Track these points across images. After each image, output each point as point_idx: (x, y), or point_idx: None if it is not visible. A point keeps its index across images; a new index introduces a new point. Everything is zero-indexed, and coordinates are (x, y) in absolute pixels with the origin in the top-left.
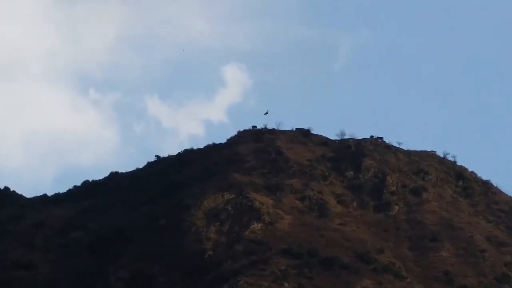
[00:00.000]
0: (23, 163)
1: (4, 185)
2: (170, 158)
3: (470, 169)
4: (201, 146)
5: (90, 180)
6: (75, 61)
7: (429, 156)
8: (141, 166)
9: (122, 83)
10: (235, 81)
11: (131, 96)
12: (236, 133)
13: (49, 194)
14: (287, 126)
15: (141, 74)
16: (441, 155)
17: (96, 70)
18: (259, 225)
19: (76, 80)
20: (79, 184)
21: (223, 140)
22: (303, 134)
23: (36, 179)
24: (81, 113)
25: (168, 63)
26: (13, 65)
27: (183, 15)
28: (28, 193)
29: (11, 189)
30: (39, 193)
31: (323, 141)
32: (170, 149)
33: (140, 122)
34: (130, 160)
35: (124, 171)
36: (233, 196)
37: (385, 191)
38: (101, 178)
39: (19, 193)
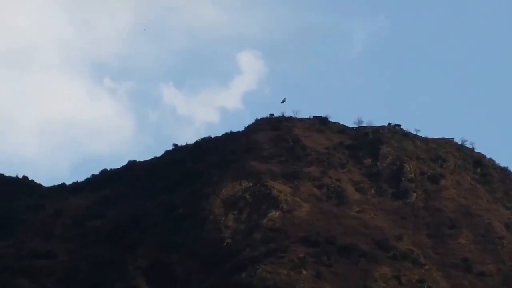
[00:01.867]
0: (39, 152)
1: (22, 175)
2: (187, 146)
3: (488, 156)
4: (217, 134)
5: (108, 169)
6: (89, 49)
7: (447, 143)
8: (157, 154)
9: (137, 72)
10: (250, 68)
11: (146, 85)
12: (253, 121)
13: (66, 183)
14: (304, 114)
15: (155, 63)
16: (459, 142)
17: (110, 58)
18: (277, 213)
19: (90, 69)
20: (96, 173)
21: (239, 128)
22: (321, 122)
23: (52, 168)
24: (96, 102)
25: (182, 51)
26: (27, 54)
27: (196, 2)
28: (45, 182)
29: (30, 179)
30: (56, 182)
31: (341, 129)
32: (186, 136)
33: (155, 110)
34: (146, 149)
35: (141, 160)
36: (251, 184)
37: (403, 178)
38: (119, 167)
39: (37, 182)
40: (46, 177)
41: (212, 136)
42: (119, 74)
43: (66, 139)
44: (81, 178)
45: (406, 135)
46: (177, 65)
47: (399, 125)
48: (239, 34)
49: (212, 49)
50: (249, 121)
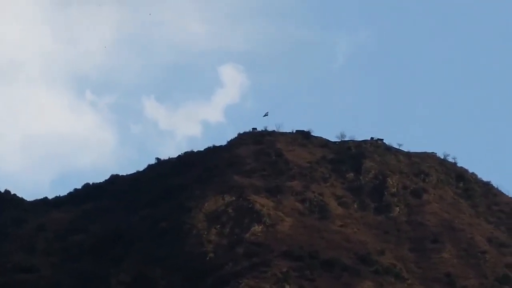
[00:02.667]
0: (21, 166)
1: (4, 189)
2: (170, 160)
3: (470, 171)
4: (199, 147)
5: (91, 183)
6: (72, 63)
7: (429, 157)
8: (139, 168)
9: (119, 85)
10: (232, 81)
11: (128, 98)
12: (235, 135)
13: (49, 197)
14: (287, 128)
15: (137, 76)
16: (442, 157)
17: (92, 72)
18: (260, 227)
19: (73, 82)
20: (79, 187)
21: (221, 141)
22: (303, 136)
23: (35, 182)
24: (79, 115)
25: (164, 64)
26: (10, 67)
27: (179, 16)
28: (27, 196)
29: (12, 193)
30: (38, 196)
31: (323, 143)
32: (168, 150)
33: (137, 124)
34: (129, 162)
35: (124, 174)
36: (234, 198)
37: (385, 192)
38: (101, 181)
39: (20, 196)
40: (28, 192)
41: (195, 150)
42: (101, 87)
43: (48, 153)
44: (63, 192)
45: (389, 149)
46: (159, 79)
47: (382, 140)
48: (221, 47)
49: (194, 63)
50: (231, 134)
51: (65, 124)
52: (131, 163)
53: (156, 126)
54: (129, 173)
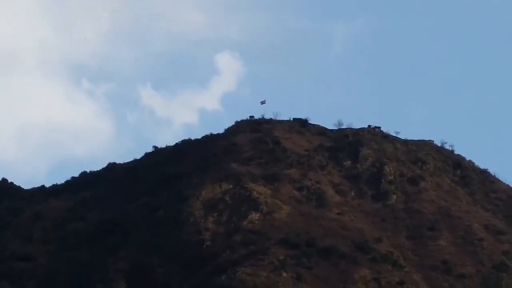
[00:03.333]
0: (18, 155)
1: (1, 177)
2: (167, 149)
3: (467, 158)
4: (196, 135)
5: (88, 171)
6: (69, 53)
7: (426, 145)
8: (137, 156)
9: (115, 74)
10: (229, 69)
11: (125, 87)
12: (232, 122)
13: (46, 185)
14: (284, 116)
15: (134, 65)
16: (439, 144)
17: (89, 61)
18: (257, 215)
19: (69, 72)
20: (76, 175)
21: (218, 129)
22: (301, 124)
23: (32, 170)
24: (75, 104)
25: (161, 53)
26: (7, 57)
27: (175, 6)
28: (24, 185)
29: (9, 181)
30: (35, 184)
31: (321, 131)
32: (165, 138)
33: (134, 112)
34: (125, 151)
35: (121, 162)
36: (231, 186)
37: (383, 180)
38: (99, 169)
39: (17, 185)
40: (25, 180)
41: (192, 138)
42: (98, 76)
43: (45, 142)
44: (60, 180)
45: (386, 137)
46: (155, 67)
47: (379, 127)
48: (218, 36)
49: (191, 51)
50: (228, 122)
51: (62, 113)
52: (128, 151)
53: (153, 114)
54: (126, 161)
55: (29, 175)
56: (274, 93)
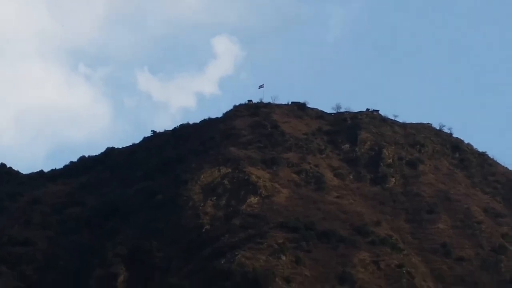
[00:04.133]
0: (16, 139)
1: (3, 162)
2: (166, 133)
3: (466, 141)
4: (194, 119)
5: (87, 156)
6: (66, 38)
7: (425, 128)
8: (134, 140)
9: (112, 58)
10: (226, 53)
11: (122, 71)
12: (230, 106)
13: (44, 170)
14: (282, 100)
15: (131, 49)
16: (437, 127)
17: (86, 46)
18: (256, 199)
19: (66, 56)
20: (75, 160)
21: (216, 113)
22: (299, 108)
23: (30, 155)
24: (73, 89)
25: (158, 37)
26: (4, 43)
27: None
28: (22, 170)
29: (7, 166)
30: (33, 169)
31: (319, 115)
32: (163, 122)
33: (131, 97)
34: (123, 135)
35: (120, 147)
36: (230, 170)
37: (381, 163)
38: (97, 154)
39: (15, 169)
40: (23, 165)
41: (190, 122)
42: (95, 60)
43: (43, 126)
44: (59, 165)
45: (385, 120)
46: (152, 51)
47: (377, 111)
48: (215, 20)
49: (187, 35)
50: (226, 106)
51: (59, 98)
52: (126, 135)
53: (150, 98)
54: (124, 145)
55: (27, 160)
56: (272, 77)
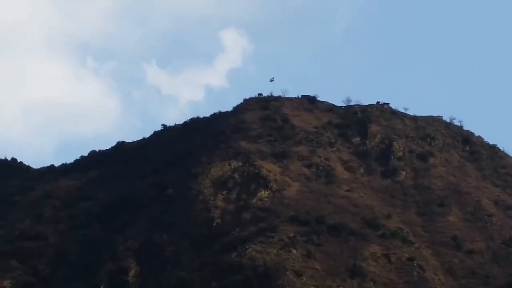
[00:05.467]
0: (25, 134)
1: (10, 156)
2: (176, 127)
3: (476, 134)
4: (203, 112)
5: (97, 150)
6: (73, 31)
7: (435, 121)
8: (143, 134)
9: (120, 52)
10: (234, 46)
11: (129, 65)
12: (239, 99)
13: (55, 164)
14: (292, 93)
15: (138, 43)
16: (448, 120)
17: (94, 40)
18: (267, 192)
19: (74, 50)
20: (85, 154)
21: (225, 106)
22: (309, 101)
23: (39, 150)
24: (81, 83)
25: (165, 31)
26: (12, 36)
27: None
28: (32, 164)
29: (18, 160)
30: (42, 164)
31: (329, 108)
32: (171, 116)
33: (139, 90)
34: (131, 128)
35: (129, 141)
36: (240, 164)
37: (392, 156)
38: (107, 148)
39: (26, 164)
40: (32, 159)
41: (199, 115)
42: (103, 54)
43: (51, 121)
44: (67, 159)
45: (395, 113)
46: (160, 45)
47: (388, 104)
48: (222, 13)
49: (196, 28)
50: (235, 99)
51: (67, 92)
52: (135, 129)
53: (159, 92)
54: (132, 139)
55: (36, 154)
56: (281, 70)
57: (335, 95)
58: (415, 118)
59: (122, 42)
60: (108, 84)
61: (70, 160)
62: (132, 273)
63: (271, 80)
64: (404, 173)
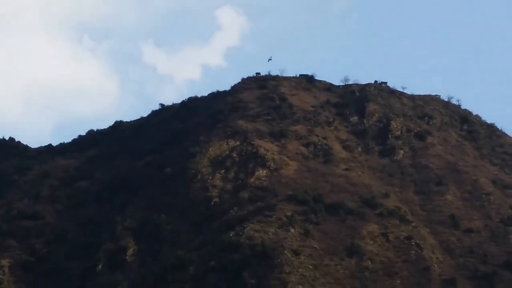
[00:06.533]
0: (23, 114)
1: (8, 136)
2: (174, 106)
3: (474, 113)
4: (200, 91)
5: (95, 130)
6: (71, 11)
7: (433, 100)
8: (141, 113)
9: (117, 31)
10: (231, 25)
11: (126, 44)
12: (236, 78)
13: (51, 144)
14: (290, 73)
15: (135, 22)
16: (446, 99)
17: (90, 18)
18: (264, 171)
19: (71, 30)
20: (83, 133)
21: (222, 85)
22: (307, 80)
23: (37, 129)
24: (78, 62)
25: (162, 9)
26: (9, 18)
27: None
28: (31, 144)
29: (16, 140)
30: (40, 143)
31: (327, 87)
32: (168, 95)
33: (136, 69)
34: (129, 107)
35: (126, 120)
36: (238, 143)
37: (389, 135)
38: (105, 128)
39: (24, 143)
40: (30, 139)
41: (197, 94)
42: (99, 34)
43: (49, 100)
44: (66, 139)
45: (393, 92)
46: (157, 24)
47: (386, 83)
48: None
49: (192, 7)
50: (232, 78)
51: (65, 71)
52: (132, 108)
53: (155, 71)
54: (130, 118)
55: (34, 134)
56: (278, 48)
57: (333, 74)
58: (413, 97)
59: (119, 21)
60: (105, 64)
61: (68, 139)
62: (130, 252)
63: (270, 60)
64: (402, 152)
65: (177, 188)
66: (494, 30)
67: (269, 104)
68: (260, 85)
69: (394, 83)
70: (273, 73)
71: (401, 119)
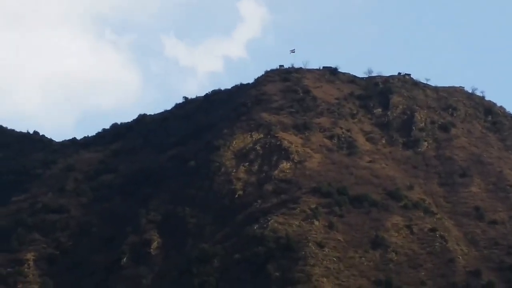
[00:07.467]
0: (45, 107)
1: (32, 130)
2: (197, 99)
3: (498, 104)
4: (222, 83)
5: (119, 123)
6: (91, 4)
7: (457, 91)
8: (163, 106)
9: (138, 24)
10: (253, 17)
11: (148, 37)
12: (258, 70)
13: (75, 137)
14: (313, 65)
15: (157, 15)
16: (470, 91)
17: (111, 12)
18: (288, 164)
19: (92, 23)
20: (104, 126)
21: (244, 76)
22: (331, 73)
23: (58, 123)
24: (100, 56)
25: (183, 2)
26: (31, 11)
27: None
28: (54, 137)
29: (40, 134)
30: (63, 137)
31: (351, 79)
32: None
33: (158, 62)
34: (151, 100)
35: (149, 113)
36: (262, 136)
37: (413, 127)
38: (129, 121)
39: (48, 137)
40: (52, 132)
41: (220, 87)
42: (121, 27)
43: (70, 94)
44: (88, 132)
45: (416, 84)
46: (178, 16)
47: (409, 74)
48: None
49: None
50: (254, 69)
51: (87, 65)
52: (154, 101)
53: (177, 64)
54: (153, 111)
55: (57, 127)
56: (300, 40)
57: (356, 66)
58: (436, 89)
59: (140, 14)
60: (127, 57)
61: (91, 133)
62: (154, 245)
63: (292, 51)
64: (426, 144)
65: (201, 181)
66: None
67: (292, 97)
68: (283, 78)
69: (418, 75)
70: (296, 66)
71: (425, 111)
